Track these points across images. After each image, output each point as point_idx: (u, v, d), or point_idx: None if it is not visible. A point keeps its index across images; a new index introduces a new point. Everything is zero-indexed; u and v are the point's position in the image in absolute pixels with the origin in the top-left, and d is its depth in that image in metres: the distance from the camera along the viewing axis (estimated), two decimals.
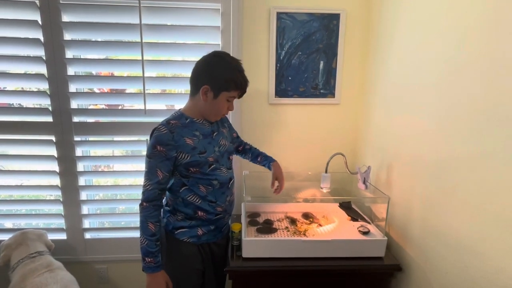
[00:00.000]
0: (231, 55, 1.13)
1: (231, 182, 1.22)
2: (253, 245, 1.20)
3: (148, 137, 1.14)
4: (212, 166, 1.13)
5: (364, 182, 1.39)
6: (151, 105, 1.55)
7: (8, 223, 1.69)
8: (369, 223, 1.39)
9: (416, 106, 1.14)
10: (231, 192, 1.23)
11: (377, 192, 1.38)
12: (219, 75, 1.07)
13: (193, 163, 1.09)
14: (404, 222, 1.22)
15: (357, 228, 1.33)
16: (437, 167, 1.02)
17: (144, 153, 1.16)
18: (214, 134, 1.18)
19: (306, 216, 1.47)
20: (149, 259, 1.07)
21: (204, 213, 1.15)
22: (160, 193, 1.09)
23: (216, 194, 1.16)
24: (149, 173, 1.07)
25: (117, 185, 1.69)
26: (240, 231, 1.25)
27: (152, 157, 1.06)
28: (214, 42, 1.53)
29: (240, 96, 1.16)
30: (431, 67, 1.06)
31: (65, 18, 1.45)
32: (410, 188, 1.18)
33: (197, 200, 1.14)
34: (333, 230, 1.35)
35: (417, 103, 1.14)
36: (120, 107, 1.68)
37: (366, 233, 1.30)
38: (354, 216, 1.45)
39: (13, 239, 1.40)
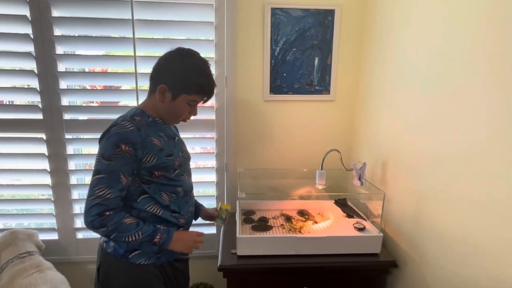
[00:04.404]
0: (199, 54, 1.01)
1: (192, 190, 1.15)
2: (248, 242, 1.19)
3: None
4: (177, 171, 1.03)
5: (359, 179, 1.39)
6: None
7: None
8: (364, 219, 1.38)
9: (411, 102, 1.14)
10: (193, 202, 1.15)
11: (373, 189, 1.37)
12: (180, 74, 0.95)
13: (160, 166, 0.97)
14: (400, 218, 1.21)
15: (353, 225, 1.32)
16: (433, 162, 1.02)
17: None
18: (176, 139, 1.09)
19: (302, 213, 1.46)
20: (157, 239, 0.95)
21: (164, 227, 1.00)
22: (121, 203, 0.94)
23: (180, 203, 1.05)
24: (109, 180, 0.89)
25: None
26: (226, 210, 1.25)
27: (114, 159, 0.89)
28: (208, 37, 1.51)
29: (205, 101, 1.03)
30: (426, 63, 1.05)
31: (55, 13, 1.41)
32: (405, 184, 1.17)
33: (158, 211, 1.00)
34: (328, 227, 1.34)
35: (412, 99, 1.13)
36: (119, 104, 1.65)
37: (361, 229, 1.29)
38: (350, 212, 1.44)
39: (2, 239, 1.36)
